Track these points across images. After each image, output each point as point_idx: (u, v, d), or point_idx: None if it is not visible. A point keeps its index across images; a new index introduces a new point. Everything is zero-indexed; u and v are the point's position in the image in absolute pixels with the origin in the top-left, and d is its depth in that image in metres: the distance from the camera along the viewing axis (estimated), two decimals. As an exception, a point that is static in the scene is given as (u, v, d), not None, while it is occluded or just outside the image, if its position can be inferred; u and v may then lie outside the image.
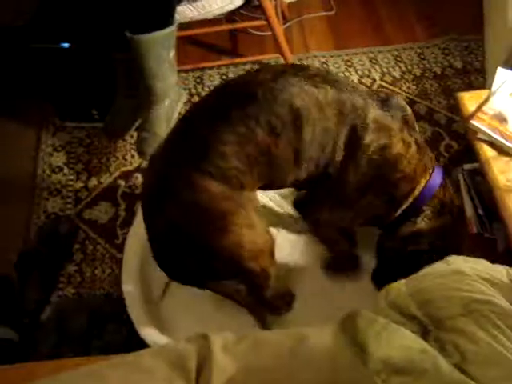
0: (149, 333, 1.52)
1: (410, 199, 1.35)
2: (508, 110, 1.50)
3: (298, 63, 1.28)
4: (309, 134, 1.26)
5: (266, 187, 1.41)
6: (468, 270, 0.94)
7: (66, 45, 1.89)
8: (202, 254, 1.31)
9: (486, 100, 1.54)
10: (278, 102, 1.24)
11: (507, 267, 1.00)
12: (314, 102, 1.25)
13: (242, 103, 1.25)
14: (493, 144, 1.48)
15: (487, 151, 1.48)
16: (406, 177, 1.33)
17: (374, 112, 1.29)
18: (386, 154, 1.30)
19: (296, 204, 1.63)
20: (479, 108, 1.53)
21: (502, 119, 1.49)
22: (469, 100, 1.58)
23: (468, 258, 1.07)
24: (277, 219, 1.77)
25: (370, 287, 1.52)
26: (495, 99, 1.52)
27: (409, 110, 1.41)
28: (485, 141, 1.49)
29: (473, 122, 1.49)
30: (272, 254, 1.44)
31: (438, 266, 1.03)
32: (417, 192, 1.35)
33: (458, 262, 1.02)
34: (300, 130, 1.26)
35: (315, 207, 1.49)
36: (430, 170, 1.36)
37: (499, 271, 0.96)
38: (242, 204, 1.29)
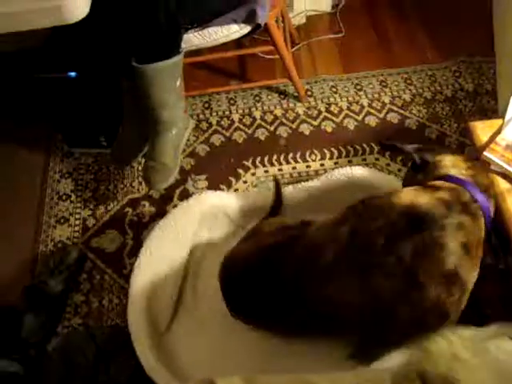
0: (155, 370, 1.49)
1: None
2: (522, 141, 1.46)
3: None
4: None
5: None
6: None
7: (72, 74, 1.88)
8: None
9: (499, 130, 1.50)
10: None
11: None
12: None
13: None
14: (507, 176, 1.43)
15: (501, 183, 1.43)
16: None
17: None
18: None
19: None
20: (492, 139, 1.48)
21: (516, 151, 1.44)
22: (482, 130, 1.53)
23: None
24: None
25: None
26: (509, 129, 1.48)
27: None
28: (498, 173, 1.45)
29: (486, 153, 1.45)
30: None
31: None
32: None
33: None
34: None
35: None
36: None
37: None
38: None
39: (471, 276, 1.26)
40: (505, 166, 1.43)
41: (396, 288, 1.19)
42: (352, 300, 1.24)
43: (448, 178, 1.34)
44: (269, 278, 1.36)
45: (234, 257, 1.50)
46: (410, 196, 1.27)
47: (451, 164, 1.39)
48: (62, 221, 2.06)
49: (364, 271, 1.22)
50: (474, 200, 1.28)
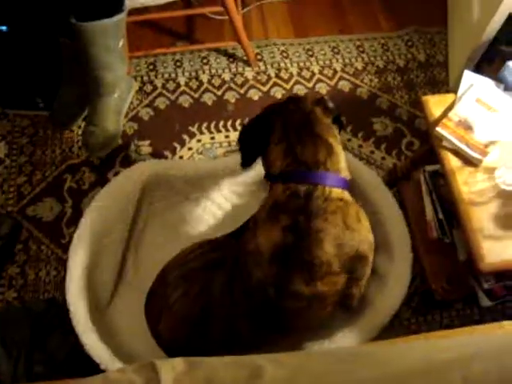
0: (94, 348, 1.43)
1: None
2: (474, 118, 1.44)
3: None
4: None
5: None
6: None
7: (3, 28, 1.73)
8: None
9: (452, 105, 1.48)
10: None
11: None
12: None
13: None
14: (458, 153, 1.42)
15: (451, 160, 1.42)
16: None
17: None
18: None
19: None
20: (444, 114, 1.46)
21: (468, 127, 1.42)
22: (434, 104, 1.51)
23: None
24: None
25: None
26: (461, 105, 1.46)
27: None
28: (449, 149, 1.43)
29: (438, 128, 1.43)
30: None
31: None
32: None
33: None
34: None
35: None
36: None
37: None
38: None
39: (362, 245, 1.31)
40: (456, 142, 1.41)
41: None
42: None
43: (283, 177, 1.34)
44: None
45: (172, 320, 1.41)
46: (265, 240, 1.27)
47: (276, 155, 1.38)
48: (-6, 187, 1.94)
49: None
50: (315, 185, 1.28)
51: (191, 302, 1.35)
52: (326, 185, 1.27)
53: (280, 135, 1.36)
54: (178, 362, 1.03)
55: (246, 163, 1.55)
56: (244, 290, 1.29)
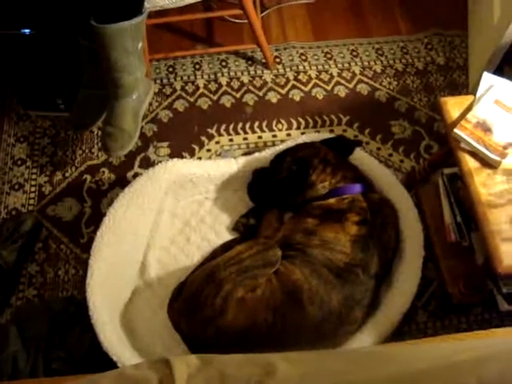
0: (112, 347, 1.43)
1: None
2: (492, 119, 1.42)
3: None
4: None
5: None
6: None
7: (26, 31, 1.76)
8: None
9: (470, 107, 1.47)
10: None
11: None
12: None
13: None
14: (476, 155, 1.41)
15: (469, 162, 1.41)
16: None
17: None
18: None
19: None
20: (463, 116, 1.45)
21: (487, 129, 1.41)
22: (452, 106, 1.50)
23: None
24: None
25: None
26: (480, 107, 1.45)
27: None
28: (468, 151, 1.42)
29: (456, 130, 1.42)
30: None
31: None
32: None
33: None
34: None
35: None
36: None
37: None
38: None
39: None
40: (474, 144, 1.40)
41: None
42: None
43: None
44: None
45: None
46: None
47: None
48: (16, 187, 1.97)
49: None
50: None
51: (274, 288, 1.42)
52: None
53: None
54: (192, 359, 1.03)
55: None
56: (337, 273, 1.44)
